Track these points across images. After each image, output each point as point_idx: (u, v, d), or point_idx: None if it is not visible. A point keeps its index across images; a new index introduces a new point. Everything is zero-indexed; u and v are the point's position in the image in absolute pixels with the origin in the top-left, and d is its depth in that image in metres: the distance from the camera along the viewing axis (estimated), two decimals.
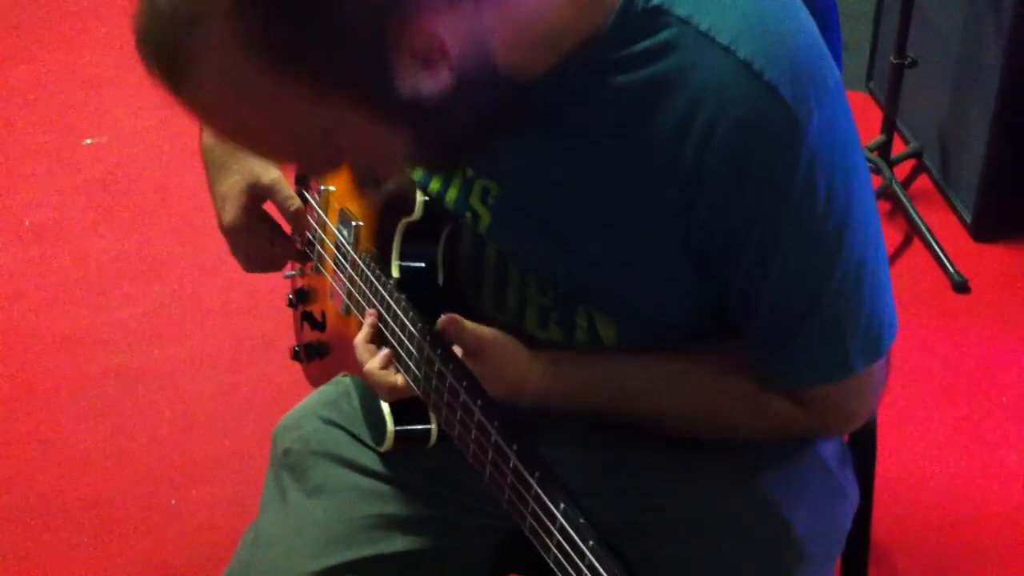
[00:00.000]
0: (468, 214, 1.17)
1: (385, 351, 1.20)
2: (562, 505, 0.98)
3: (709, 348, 1.18)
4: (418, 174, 1.23)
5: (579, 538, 0.96)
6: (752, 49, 0.99)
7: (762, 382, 1.15)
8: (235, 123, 0.99)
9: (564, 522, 0.97)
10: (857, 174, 1.06)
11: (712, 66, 1.00)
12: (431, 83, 0.96)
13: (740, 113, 0.99)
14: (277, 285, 1.55)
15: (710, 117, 1.00)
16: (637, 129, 1.03)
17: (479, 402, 1.07)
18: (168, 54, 0.94)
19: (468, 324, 1.15)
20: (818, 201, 1.03)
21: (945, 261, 2.61)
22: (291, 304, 1.53)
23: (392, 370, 1.19)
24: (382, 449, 1.27)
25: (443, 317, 1.14)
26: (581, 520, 0.96)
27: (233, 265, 1.43)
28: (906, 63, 2.69)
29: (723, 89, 0.99)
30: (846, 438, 1.34)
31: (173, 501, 2.15)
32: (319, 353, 1.47)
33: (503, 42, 0.99)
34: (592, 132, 1.06)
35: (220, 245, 1.41)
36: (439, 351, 1.12)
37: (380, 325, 1.22)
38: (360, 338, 1.22)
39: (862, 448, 1.40)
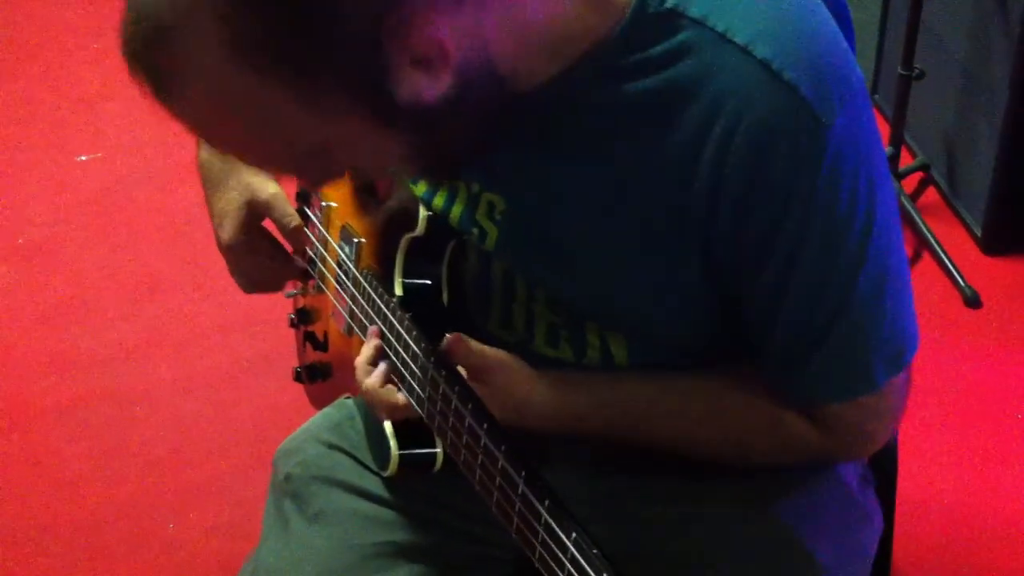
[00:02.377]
0: (475, 231, 1.13)
1: (383, 366, 1.16)
2: (574, 535, 0.93)
3: (722, 367, 1.13)
4: (421, 189, 1.19)
5: (592, 570, 0.91)
6: (771, 49, 0.96)
7: (777, 402, 1.11)
8: (227, 134, 0.96)
9: (576, 553, 0.92)
10: (880, 178, 1.03)
11: (730, 68, 0.96)
12: (431, 88, 0.92)
13: (760, 115, 0.95)
14: (276, 303, 1.52)
15: (729, 121, 0.96)
16: (652, 138, 0.99)
17: (485, 425, 1.03)
18: (151, 66, 0.90)
19: (474, 344, 1.10)
20: (842, 204, 0.99)
21: (955, 274, 2.58)
22: (293, 324, 1.49)
23: (392, 387, 1.15)
24: (386, 474, 1.22)
25: (448, 336, 1.09)
26: (594, 551, 0.91)
27: (230, 283, 1.39)
28: (913, 75, 2.65)
29: (742, 91, 0.96)
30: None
31: (170, 525, 2.11)
32: (322, 375, 1.44)
33: (507, 47, 0.95)
34: (603, 143, 1.02)
35: (216, 263, 1.38)
36: (443, 372, 1.08)
37: (383, 345, 1.18)
38: (361, 359, 1.18)
39: (883, 469, 1.36)
